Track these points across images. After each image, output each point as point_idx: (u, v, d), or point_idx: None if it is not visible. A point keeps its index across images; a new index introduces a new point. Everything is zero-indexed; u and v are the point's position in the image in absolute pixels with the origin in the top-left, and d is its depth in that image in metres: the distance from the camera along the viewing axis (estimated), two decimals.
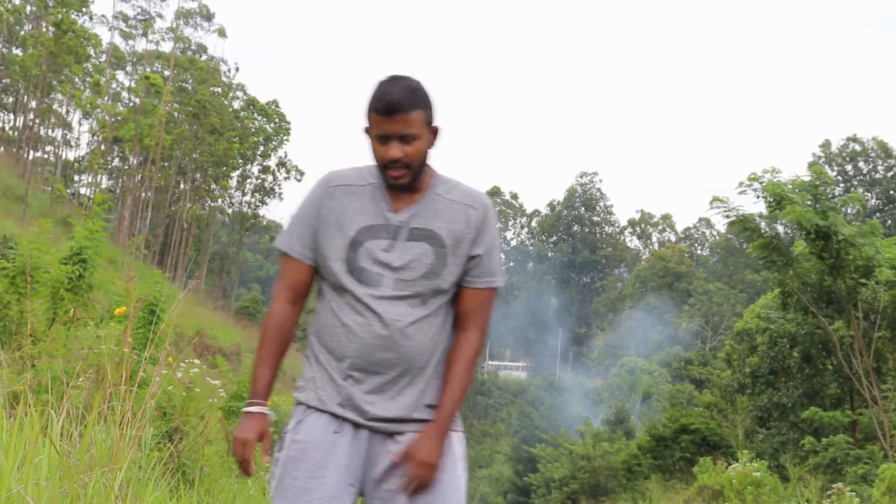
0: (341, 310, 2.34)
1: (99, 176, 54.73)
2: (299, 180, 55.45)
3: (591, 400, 54.14)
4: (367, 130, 2.37)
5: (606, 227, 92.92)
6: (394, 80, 2.31)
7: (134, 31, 54.87)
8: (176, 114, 47.83)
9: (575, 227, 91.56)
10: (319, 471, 2.29)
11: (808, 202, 16.59)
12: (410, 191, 2.38)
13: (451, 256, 2.35)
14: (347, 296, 2.34)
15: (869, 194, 61.27)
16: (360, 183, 2.41)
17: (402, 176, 2.32)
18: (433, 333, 2.34)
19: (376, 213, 2.36)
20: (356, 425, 2.32)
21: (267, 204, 55.02)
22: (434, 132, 2.37)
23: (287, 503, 2.28)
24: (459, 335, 2.40)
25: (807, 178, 17.25)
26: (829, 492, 11.34)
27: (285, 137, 54.62)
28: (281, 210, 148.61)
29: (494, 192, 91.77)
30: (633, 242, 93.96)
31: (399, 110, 2.28)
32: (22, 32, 45.78)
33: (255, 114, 54.16)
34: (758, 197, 17.35)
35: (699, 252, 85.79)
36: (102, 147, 49.38)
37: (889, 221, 56.73)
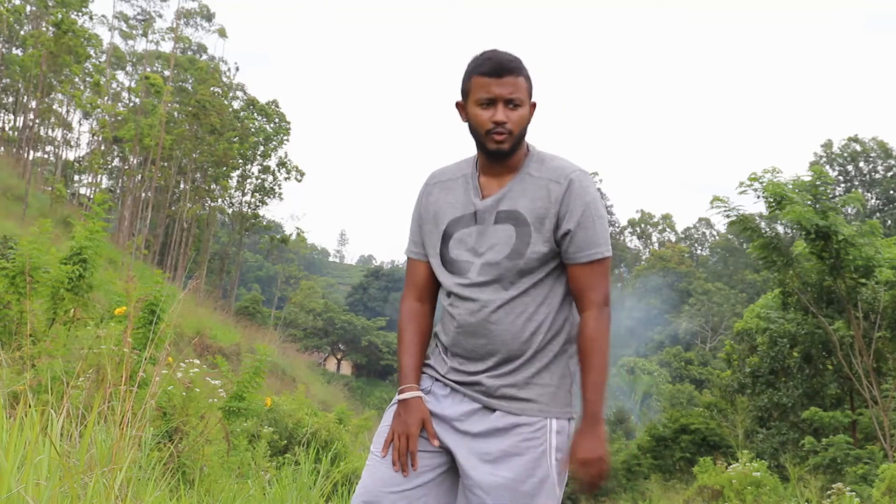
0: (442, 302, 2.39)
1: (99, 176, 54.68)
2: (299, 180, 55.31)
3: None
4: (462, 106, 2.32)
5: None
6: (496, 50, 2.28)
7: (134, 32, 54.86)
8: (176, 114, 47.78)
9: None
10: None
11: (808, 202, 16.59)
12: (505, 170, 2.33)
13: (534, 234, 2.27)
14: (444, 288, 2.36)
15: (869, 194, 61.25)
16: (456, 175, 2.40)
17: (505, 141, 2.26)
18: (528, 314, 2.27)
19: (466, 202, 2.35)
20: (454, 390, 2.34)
21: (267, 204, 54.82)
22: (533, 107, 2.32)
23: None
24: (580, 319, 2.31)
25: (807, 178, 17.24)
26: (829, 492, 11.33)
27: (285, 137, 54.53)
28: (281, 210, 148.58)
29: None
30: (633, 242, 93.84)
31: (510, 72, 2.24)
32: (22, 32, 45.75)
33: (255, 114, 54.07)
34: (758, 197, 17.36)
35: (699, 252, 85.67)
36: (102, 147, 49.34)
37: (889, 221, 56.71)
